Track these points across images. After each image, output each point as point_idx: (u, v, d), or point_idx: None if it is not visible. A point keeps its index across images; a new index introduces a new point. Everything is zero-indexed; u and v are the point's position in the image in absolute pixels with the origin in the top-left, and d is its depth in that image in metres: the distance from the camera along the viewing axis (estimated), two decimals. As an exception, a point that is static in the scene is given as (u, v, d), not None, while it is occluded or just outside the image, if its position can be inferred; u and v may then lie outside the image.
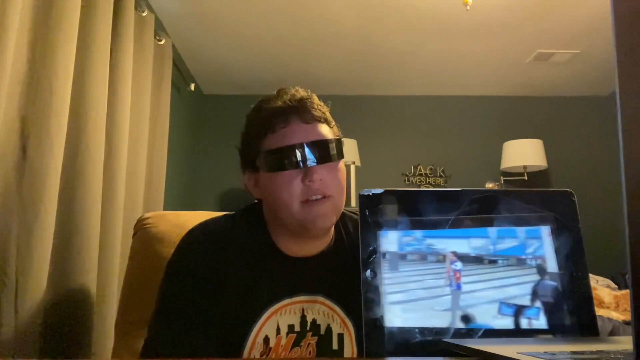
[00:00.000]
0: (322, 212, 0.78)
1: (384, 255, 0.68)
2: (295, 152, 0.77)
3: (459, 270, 0.68)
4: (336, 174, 0.81)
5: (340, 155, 0.82)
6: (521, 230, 0.70)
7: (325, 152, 0.79)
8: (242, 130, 0.88)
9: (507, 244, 0.70)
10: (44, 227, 1.27)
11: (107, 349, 1.49)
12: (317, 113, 0.82)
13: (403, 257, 0.68)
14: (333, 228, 0.89)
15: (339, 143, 0.82)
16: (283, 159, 0.78)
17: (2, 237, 1.19)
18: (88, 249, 1.47)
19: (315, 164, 0.78)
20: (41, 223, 1.26)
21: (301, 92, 0.84)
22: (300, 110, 0.81)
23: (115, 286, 1.63)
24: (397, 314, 0.64)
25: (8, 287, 1.18)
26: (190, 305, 0.79)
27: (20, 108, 1.26)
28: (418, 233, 0.70)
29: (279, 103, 0.82)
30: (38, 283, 1.25)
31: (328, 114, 0.85)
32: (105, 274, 1.62)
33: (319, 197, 0.78)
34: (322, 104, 0.86)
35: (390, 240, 0.69)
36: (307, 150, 0.78)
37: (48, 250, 1.30)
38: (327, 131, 0.82)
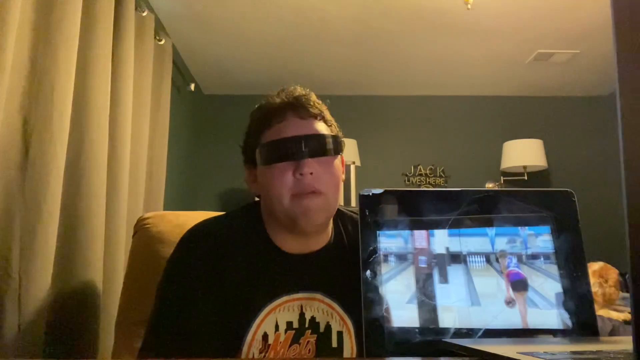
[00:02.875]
0: (311, 206, 0.79)
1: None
2: (287, 145, 0.78)
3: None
4: (331, 170, 0.81)
5: (336, 151, 0.83)
6: (521, 230, 0.70)
7: (318, 146, 0.80)
8: (245, 128, 0.90)
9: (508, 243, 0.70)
10: (47, 227, 1.27)
11: (108, 348, 1.49)
12: (313, 110, 0.83)
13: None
14: (332, 226, 0.89)
15: (335, 139, 0.83)
16: (276, 152, 0.79)
17: (5, 237, 1.19)
18: (93, 248, 1.47)
19: (306, 157, 0.78)
20: (44, 223, 1.26)
21: (299, 90, 0.86)
22: (296, 106, 0.82)
23: (118, 286, 1.63)
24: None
25: (11, 287, 1.18)
26: (189, 303, 0.79)
27: (23, 108, 1.26)
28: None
29: (277, 100, 0.84)
30: (42, 283, 1.25)
31: (326, 112, 0.86)
32: (109, 274, 1.62)
33: (308, 191, 0.78)
34: (319, 102, 0.87)
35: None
36: (299, 143, 0.78)
37: (52, 250, 1.30)
38: (323, 128, 0.83)
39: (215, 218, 0.89)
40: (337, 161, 0.84)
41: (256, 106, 0.89)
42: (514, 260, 0.69)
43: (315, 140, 0.80)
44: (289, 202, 0.79)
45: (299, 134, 0.79)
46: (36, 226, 1.24)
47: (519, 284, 0.67)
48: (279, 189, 0.79)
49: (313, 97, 0.86)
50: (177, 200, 2.99)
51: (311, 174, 0.78)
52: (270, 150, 0.80)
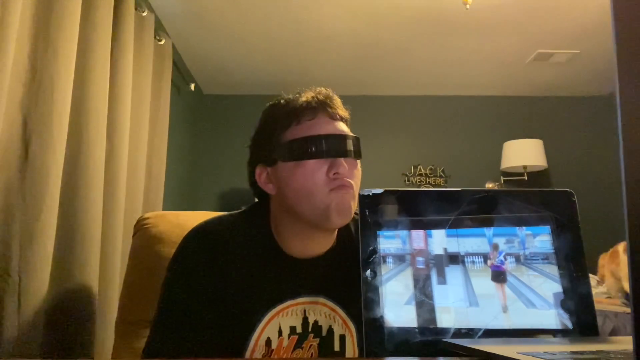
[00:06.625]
0: (347, 200, 0.78)
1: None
2: (324, 142, 0.77)
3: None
4: (355, 173, 0.82)
5: (360, 154, 0.83)
6: (520, 230, 0.70)
7: (350, 147, 0.80)
8: (256, 125, 0.87)
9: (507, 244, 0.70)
10: (46, 226, 1.27)
11: (107, 348, 1.49)
12: (341, 112, 0.83)
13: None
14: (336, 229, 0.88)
15: (359, 143, 0.83)
16: (310, 148, 0.77)
17: (4, 236, 1.19)
18: (90, 248, 1.47)
19: (340, 156, 0.78)
20: (43, 222, 1.26)
21: (325, 91, 0.84)
22: (328, 105, 0.81)
23: (116, 286, 1.63)
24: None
25: (11, 286, 1.18)
26: (192, 308, 0.78)
27: (23, 107, 1.26)
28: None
29: (304, 99, 0.82)
30: (41, 282, 1.26)
31: (349, 117, 0.86)
32: (107, 274, 1.62)
33: (346, 185, 0.78)
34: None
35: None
36: (335, 142, 0.78)
37: (50, 249, 1.30)
38: (348, 131, 0.83)
39: (217, 218, 0.87)
40: (359, 164, 0.84)
41: (269, 104, 0.87)
42: (501, 257, 0.69)
43: (348, 142, 0.79)
44: (325, 196, 0.77)
45: (332, 132, 0.79)
46: (35, 225, 1.24)
47: (498, 275, 0.67)
48: (312, 185, 0.77)
49: (339, 99, 0.85)
50: (177, 200, 2.99)
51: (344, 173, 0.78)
52: (303, 146, 0.77)
